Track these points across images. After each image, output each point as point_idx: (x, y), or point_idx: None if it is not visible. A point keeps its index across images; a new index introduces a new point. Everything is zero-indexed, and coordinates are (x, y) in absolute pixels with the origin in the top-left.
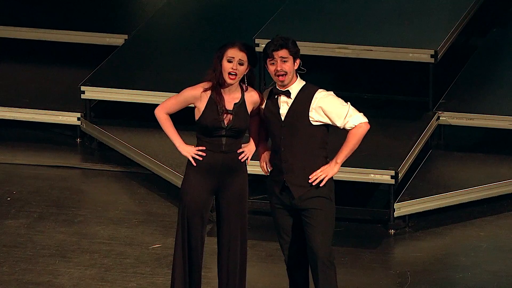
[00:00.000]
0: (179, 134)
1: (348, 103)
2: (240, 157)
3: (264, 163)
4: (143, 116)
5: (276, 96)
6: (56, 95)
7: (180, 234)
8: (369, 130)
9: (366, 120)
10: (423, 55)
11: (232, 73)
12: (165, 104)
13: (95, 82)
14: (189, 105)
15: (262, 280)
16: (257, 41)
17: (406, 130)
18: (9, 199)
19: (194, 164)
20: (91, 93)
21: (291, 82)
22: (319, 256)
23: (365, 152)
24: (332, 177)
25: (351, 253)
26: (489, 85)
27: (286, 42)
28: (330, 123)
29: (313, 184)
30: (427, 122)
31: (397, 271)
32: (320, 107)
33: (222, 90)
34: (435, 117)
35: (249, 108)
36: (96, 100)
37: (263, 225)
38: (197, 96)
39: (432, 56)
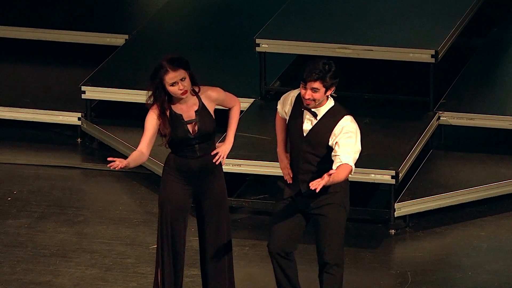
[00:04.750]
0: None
1: (359, 149)
2: (214, 160)
3: (287, 172)
4: (144, 116)
5: (302, 109)
6: (57, 95)
7: (165, 239)
8: (369, 130)
9: (354, 167)
10: (423, 55)
11: (183, 91)
12: (141, 145)
13: (95, 82)
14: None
15: (262, 280)
16: (257, 41)
17: (407, 130)
18: (9, 199)
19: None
20: (92, 93)
21: (320, 104)
22: (324, 262)
23: (366, 152)
24: (348, 184)
25: (352, 253)
26: (489, 85)
27: (325, 75)
28: (334, 144)
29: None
30: (428, 122)
31: (397, 271)
32: (341, 130)
33: (178, 103)
34: (436, 117)
35: (211, 107)
36: (96, 100)
37: (263, 225)
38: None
39: (432, 56)
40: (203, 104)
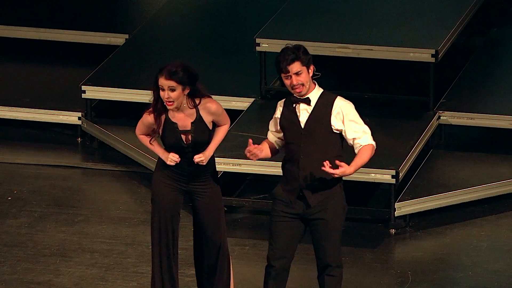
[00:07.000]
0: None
1: (366, 127)
2: (195, 158)
3: (257, 151)
4: None
5: (294, 105)
6: (57, 95)
7: (162, 235)
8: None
9: (374, 143)
10: (423, 55)
11: (168, 100)
12: (138, 128)
13: (96, 82)
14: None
15: (262, 279)
16: (257, 40)
17: (407, 129)
18: (10, 198)
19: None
20: (92, 92)
21: (309, 90)
22: (326, 265)
23: None
24: (343, 192)
25: (352, 253)
26: (489, 85)
27: (297, 53)
28: (343, 130)
29: (327, 170)
30: (428, 121)
31: (397, 271)
32: (341, 112)
33: (176, 112)
34: (436, 116)
35: (208, 120)
36: (97, 99)
37: (263, 225)
38: (152, 121)
39: (432, 55)
40: (200, 116)
